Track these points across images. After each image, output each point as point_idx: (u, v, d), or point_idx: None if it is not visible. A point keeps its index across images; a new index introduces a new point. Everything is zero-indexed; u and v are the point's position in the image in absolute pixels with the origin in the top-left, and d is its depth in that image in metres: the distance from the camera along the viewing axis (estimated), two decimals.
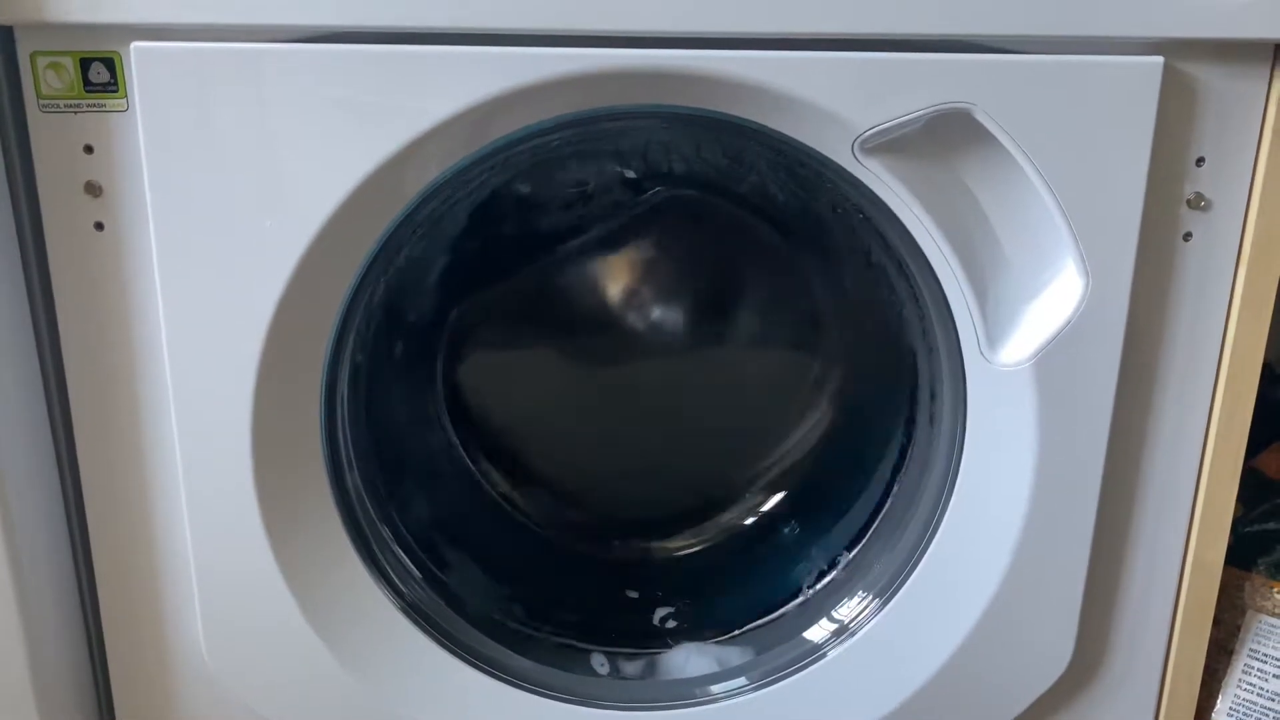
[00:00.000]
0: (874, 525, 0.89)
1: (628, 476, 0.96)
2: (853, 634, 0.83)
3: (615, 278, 0.90)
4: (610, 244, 0.88)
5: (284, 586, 0.77)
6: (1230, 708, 0.89)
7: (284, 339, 0.73)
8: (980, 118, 0.70)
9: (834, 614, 0.86)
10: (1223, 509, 0.81)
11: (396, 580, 0.82)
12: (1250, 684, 0.89)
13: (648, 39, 0.68)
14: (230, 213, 0.70)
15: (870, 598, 0.84)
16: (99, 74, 0.68)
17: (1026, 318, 0.76)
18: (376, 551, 0.82)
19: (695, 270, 0.91)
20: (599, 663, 0.87)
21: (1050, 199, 0.72)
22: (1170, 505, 0.81)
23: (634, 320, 0.91)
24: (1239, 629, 0.90)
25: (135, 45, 0.66)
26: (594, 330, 0.91)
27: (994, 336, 0.76)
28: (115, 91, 0.68)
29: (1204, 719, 0.89)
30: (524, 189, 0.82)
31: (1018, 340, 0.76)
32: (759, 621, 0.90)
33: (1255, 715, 0.89)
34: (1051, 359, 0.75)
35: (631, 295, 0.90)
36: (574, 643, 0.89)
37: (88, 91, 0.68)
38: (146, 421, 0.76)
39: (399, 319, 0.85)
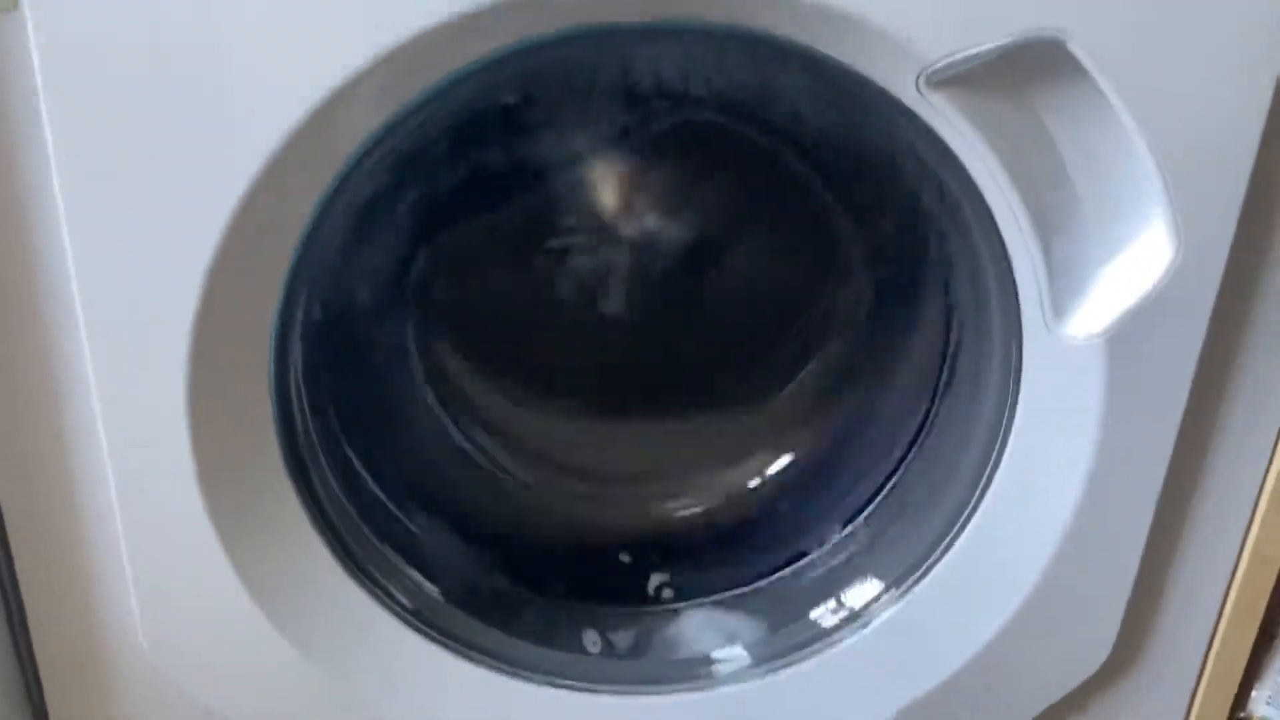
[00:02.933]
0: (889, 494, 0.80)
1: (624, 431, 0.86)
2: (866, 623, 0.75)
3: (613, 215, 0.78)
4: (609, 175, 0.76)
5: (228, 563, 0.67)
6: (1269, 696, 0.83)
7: (224, 291, 0.61)
8: (1074, 49, 0.58)
9: (847, 597, 0.77)
10: None
11: (359, 554, 0.72)
12: None
13: None
14: (156, 139, 0.57)
15: (886, 585, 0.75)
16: None
17: (1101, 285, 0.65)
18: (336, 524, 0.72)
19: (709, 204, 0.79)
20: (591, 640, 0.78)
21: (1146, 149, 0.60)
22: (1234, 495, 0.72)
23: (633, 258, 0.79)
24: None
25: None
26: (587, 267, 0.79)
27: (1061, 304, 0.65)
28: None
29: (1242, 705, 0.83)
30: (509, 106, 0.69)
31: (1089, 310, 0.65)
32: (758, 585, 0.82)
33: None
34: (1126, 334, 0.64)
35: (633, 233, 0.78)
36: (562, 610, 0.80)
37: None
38: (58, 372, 0.64)
39: (363, 266, 0.72)
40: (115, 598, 0.70)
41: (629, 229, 0.79)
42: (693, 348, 0.83)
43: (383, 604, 0.73)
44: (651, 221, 0.78)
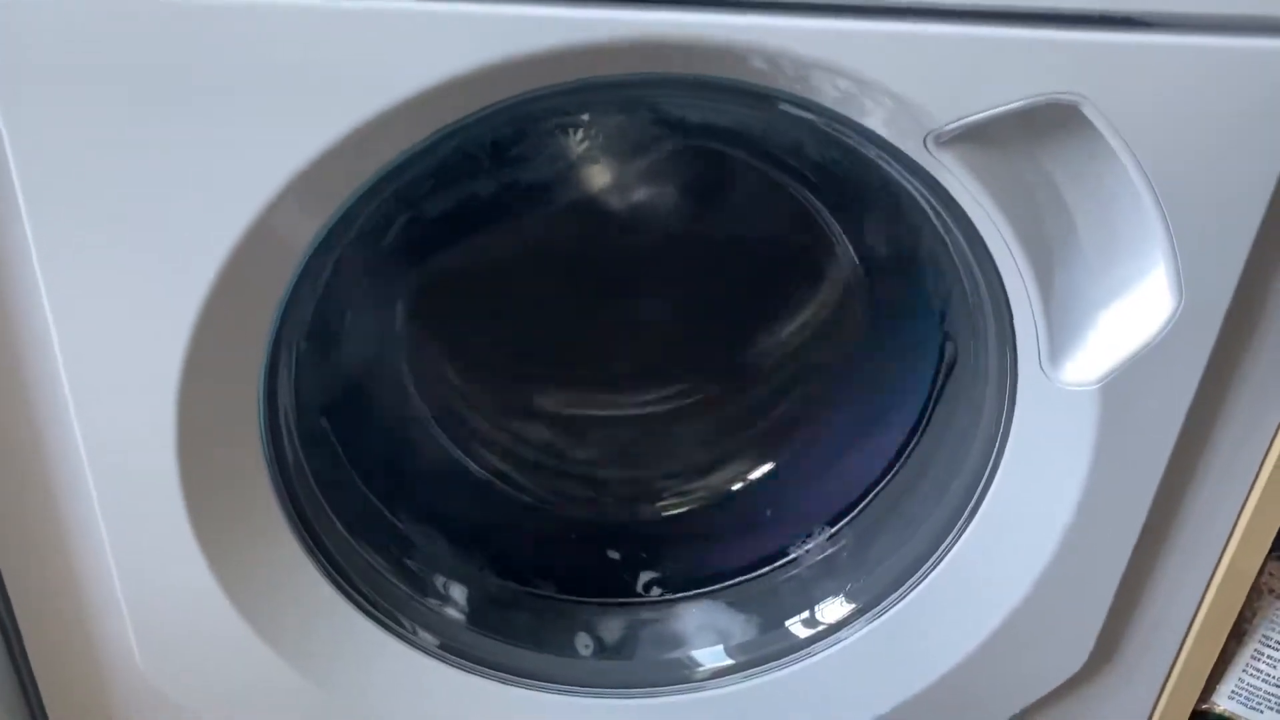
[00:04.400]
0: (871, 502, 0.81)
1: (615, 434, 0.86)
2: (839, 640, 0.76)
3: (607, 237, 0.76)
4: (603, 199, 0.74)
5: (218, 588, 0.67)
6: (1233, 690, 0.86)
7: (215, 326, 0.59)
8: (1089, 112, 0.56)
9: (821, 612, 0.79)
10: (1269, 524, 0.74)
11: (347, 567, 0.73)
12: (1257, 669, 0.85)
13: None
14: (142, 189, 0.55)
15: (861, 607, 0.77)
16: None
17: (1097, 331, 0.64)
18: (325, 541, 0.72)
19: (705, 224, 0.77)
20: (583, 644, 0.80)
21: (1154, 204, 0.59)
22: (1213, 520, 0.73)
23: (624, 273, 0.77)
24: (1254, 615, 0.86)
25: None
26: (578, 281, 0.78)
27: (1058, 349, 0.65)
28: None
29: (1207, 699, 0.86)
30: (502, 140, 0.66)
31: (1085, 358, 0.65)
32: (743, 580, 0.84)
33: (1258, 699, 0.85)
34: (1119, 382, 0.64)
35: (628, 255, 0.77)
36: (552, 609, 0.81)
37: None
38: (42, 405, 0.63)
39: (356, 284, 0.71)
40: (112, 622, 0.70)
41: (620, 242, 0.77)
42: (684, 355, 0.83)
43: (373, 617, 0.73)
44: (644, 236, 0.76)
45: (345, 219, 0.60)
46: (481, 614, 0.79)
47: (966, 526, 0.72)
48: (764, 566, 0.84)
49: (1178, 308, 0.62)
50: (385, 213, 0.66)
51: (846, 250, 0.77)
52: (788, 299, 0.82)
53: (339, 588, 0.72)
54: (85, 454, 0.63)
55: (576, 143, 0.67)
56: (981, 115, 0.55)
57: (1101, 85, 0.55)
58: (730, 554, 0.85)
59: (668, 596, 0.84)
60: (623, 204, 0.75)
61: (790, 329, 0.84)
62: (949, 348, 0.75)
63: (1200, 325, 0.63)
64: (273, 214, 0.55)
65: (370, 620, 0.73)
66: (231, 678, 0.71)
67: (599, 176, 0.72)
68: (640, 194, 0.74)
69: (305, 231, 0.59)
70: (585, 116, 0.65)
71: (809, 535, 0.83)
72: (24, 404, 0.64)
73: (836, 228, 0.76)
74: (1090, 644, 0.76)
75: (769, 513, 0.85)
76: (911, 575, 0.74)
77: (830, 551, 0.82)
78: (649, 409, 0.86)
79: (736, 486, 0.86)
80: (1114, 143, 0.57)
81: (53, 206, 0.55)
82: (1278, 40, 0.55)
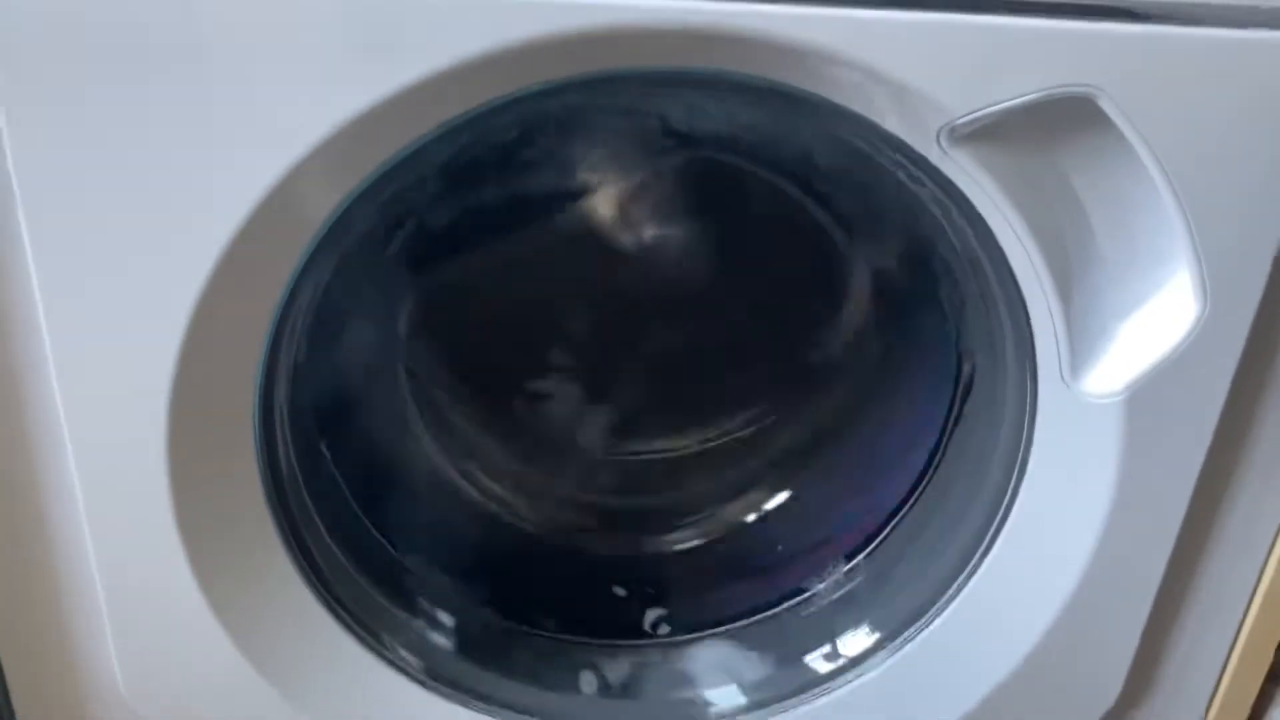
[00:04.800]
0: (890, 534, 0.78)
1: (622, 465, 0.83)
2: (862, 673, 0.73)
3: (614, 250, 0.75)
4: (611, 211, 0.73)
5: (209, 612, 0.65)
6: None
7: (210, 330, 0.58)
8: (1105, 105, 0.55)
9: (843, 645, 0.75)
10: None
11: (345, 596, 0.70)
12: None
13: None
14: (139, 178, 0.53)
15: (884, 637, 0.73)
16: None
17: (1120, 340, 0.62)
18: (320, 566, 0.69)
19: (714, 241, 0.75)
20: (586, 681, 0.76)
21: (1175, 205, 0.57)
22: (1248, 541, 0.70)
23: (634, 295, 0.76)
24: None
25: None
26: (586, 302, 0.76)
27: (1080, 360, 0.63)
28: None
29: None
30: (509, 143, 0.65)
31: (1108, 367, 0.62)
32: (757, 620, 0.80)
33: None
34: (1145, 392, 0.62)
35: (634, 271, 0.75)
36: (555, 647, 0.78)
37: None
38: (29, 402, 0.61)
39: (356, 301, 0.69)
40: (94, 645, 0.67)
41: (631, 264, 0.76)
42: (694, 381, 0.81)
43: (371, 648, 0.70)
44: (654, 257, 0.75)
45: (344, 222, 0.58)
46: (479, 647, 0.75)
47: (989, 550, 0.69)
48: (779, 603, 0.80)
49: (1203, 313, 0.60)
50: (388, 218, 0.65)
51: (860, 266, 0.76)
52: (800, 320, 0.80)
53: (331, 611, 0.69)
54: (74, 460, 0.62)
55: (583, 153, 0.66)
56: (995, 108, 0.54)
57: (1117, 77, 0.54)
58: (742, 591, 0.82)
59: (677, 638, 0.81)
60: (630, 223, 0.73)
61: (802, 350, 0.81)
62: (966, 367, 0.73)
63: (1227, 330, 0.61)
64: (282, 192, 0.54)
65: (363, 646, 0.70)
66: (217, 705, 0.67)
67: (607, 191, 0.71)
68: (648, 211, 0.72)
69: (313, 214, 0.57)
70: (592, 125, 0.64)
71: (826, 570, 0.80)
72: (14, 404, 0.62)
73: (848, 243, 0.74)
74: (1124, 673, 0.72)
75: (781, 548, 0.82)
76: (934, 604, 0.71)
77: (848, 585, 0.79)
78: (657, 440, 0.84)
79: (750, 518, 0.84)
80: (1131, 138, 0.56)
81: (50, 187, 0.54)
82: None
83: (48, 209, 0.54)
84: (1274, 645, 0.74)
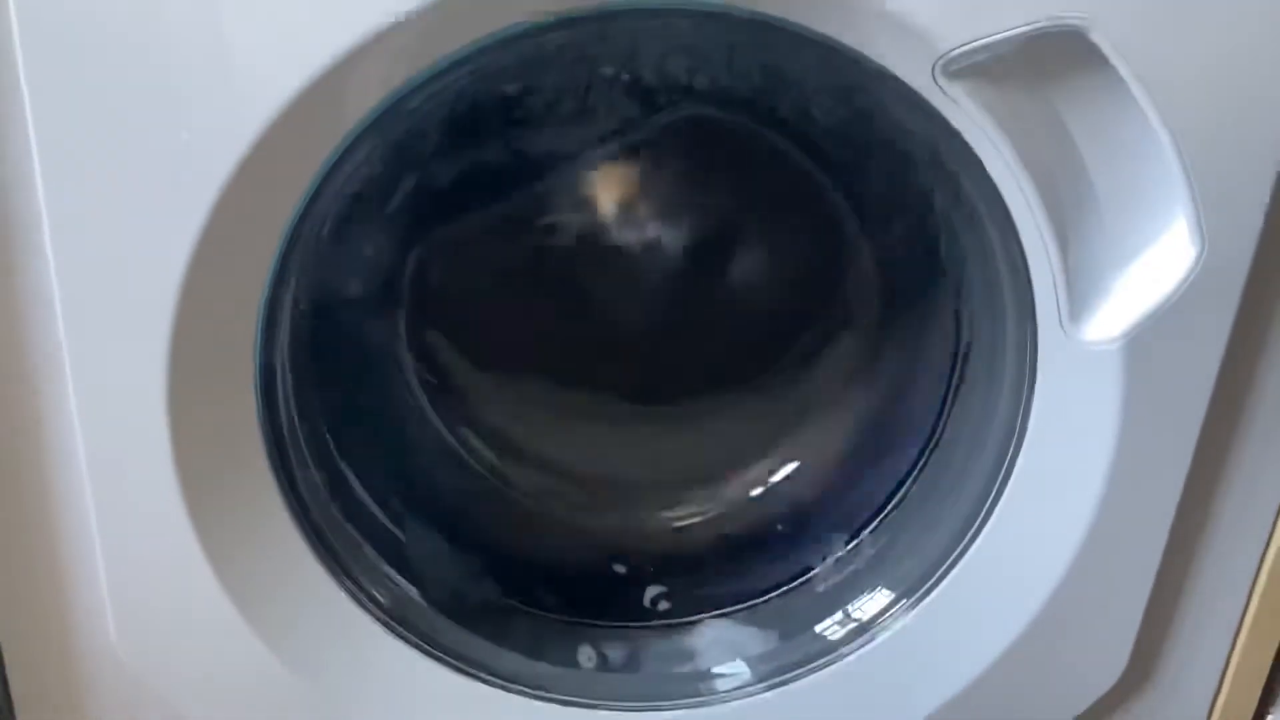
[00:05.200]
0: (897, 503, 0.77)
1: (622, 437, 0.83)
2: (874, 636, 0.72)
3: (615, 213, 0.76)
4: (611, 172, 0.73)
5: (208, 566, 0.64)
6: None
7: (209, 275, 0.58)
8: (1095, 38, 0.55)
9: (854, 610, 0.74)
10: None
11: (346, 561, 0.70)
12: None
13: None
14: (138, 116, 0.54)
15: (896, 596, 0.72)
16: None
17: (1119, 286, 0.62)
18: (321, 526, 0.69)
19: (713, 204, 0.76)
20: (586, 656, 0.75)
21: (1170, 145, 0.58)
22: (1255, 503, 0.70)
23: (636, 264, 0.76)
24: None
25: None
26: (586, 275, 0.77)
27: (1078, 306, 0.63)
28: None
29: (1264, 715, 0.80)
30: (509, 95, 0.66)
31: (1107, 313, 0.62)
32: (762, 600, 0.79)
33: None
34: (1145, 338, 0.62)
35: (635, 234, 0.75)
36: (554, 622, 0.77)
37: None
38: (34, 371, 0.62)
39: (355, 252, 0.70)
40: (89, 600, 0.67)
41: (629, 227, 0.76)
42: (695, 349, 0.81)
43: (367, 610, 0.70)
44: (653, 220, 0.75)
45: (344, 163, 0.59)
46: (478, 618, 0.74)
47: (995, 506, 0.68)
48: (787, 582, 0.79)
49: (1200, 256, 0.60)
50: (391, 173, 0.66)
51: (858, 225, 0.76)
52: (800, 284, 0.81)
53: (334, 575, 0.69)
54: (80, 431, 0.62)
55: (578, 104, 0.67)
56: (988, 39, 0.55)
57: (1108, 8, 0.55)
58: (748, 570, 0.81)
59: (676, 618, 0.80)
60: (626, 185, 0.74)
61: (803, 316, 0.81)
62: (966, 327, 0.73)
63: (1226, 273, 0.61)
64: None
65: (361, 609, 0.69)
66: (210, 661, 0.67)
67: (606, 151, 0.72)
68: (645, 170, 0.73)
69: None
70: (590, 75, 0.65)
71: (832, 548, 0.79)
72: (23, 382, 0.63)
73: (848, 203, 0.74)
74: (1129, 645, 0.71)
75: (789, 523, 0.81)
76: (944, 563, 0.70)
77: (855, 559, 0.78)
78: (658, 415, 0.83)
79: (755, 493, 0.83)
80: (1124, 72, 0.56)
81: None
82: None
83: (62, 159, 0.55)
84: None
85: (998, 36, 0.55)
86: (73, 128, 0.55)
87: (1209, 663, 0.75)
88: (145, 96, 0.54)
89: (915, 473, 0.76)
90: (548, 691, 0.73)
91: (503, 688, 0.72)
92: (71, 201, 0.56)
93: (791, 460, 0.83)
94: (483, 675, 0.72)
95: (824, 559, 0.79)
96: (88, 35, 0.52)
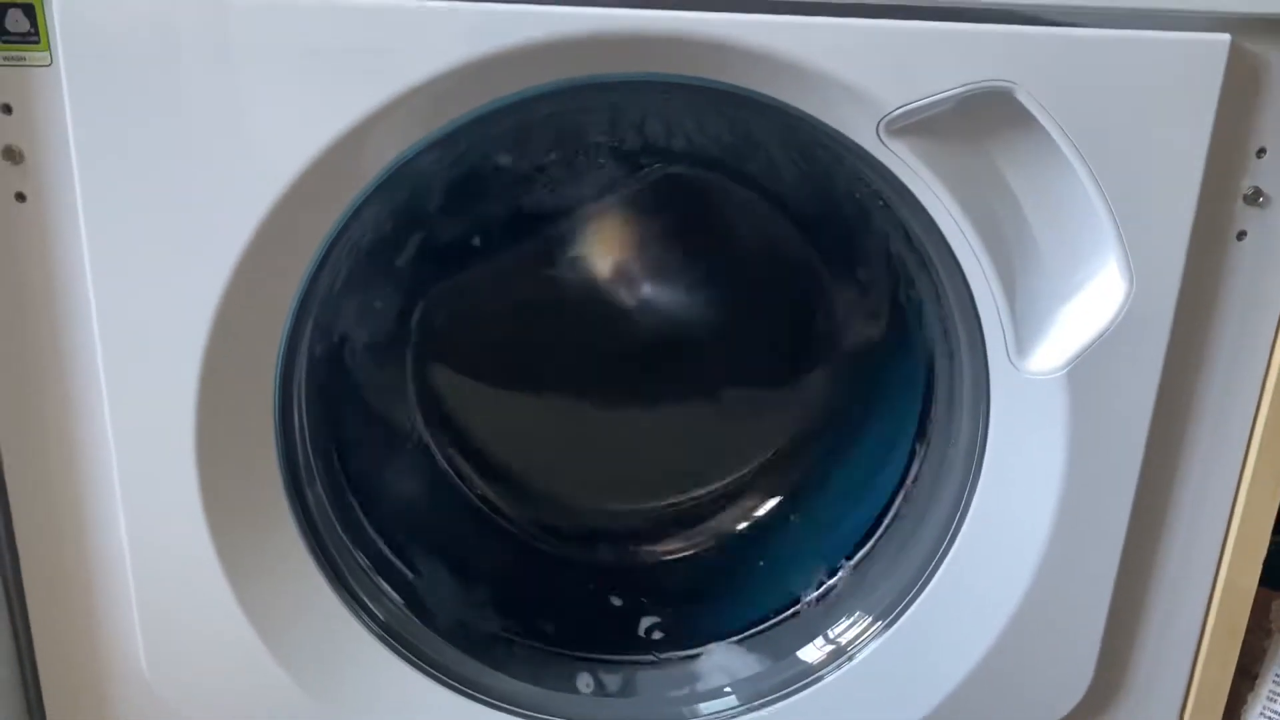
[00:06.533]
0: (877, 536, 0.82)
1: (614, 476, 0.89)
2: (851, 657, 0.77)
3: (603, 262, 0.82)
4: (598, 225, 0.80)
5: (232, 598, 0.70)
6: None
7: (232, 326, 0.65)
8: (1022, 98, 0.62)
9: (832, 634, 0.79)
10: (1260, 532, 0.75)
11: (359, 591, 0.75)
12: (1276, 711, 0.83)
13: None
14: (171, 184, 0.61)
15: (872, 619, 0.77)
16: (17, 22, 0.59)
17: (1060, 322, 0.68)
18: (335, 558, 0.74)
19: (691, 254, 0.83)
20: (584, 683, 0.80)
21: (1096, 191, 0.64)
22: (1203, 525, 0.75)
23: (623, 309, 0.83)
24: (1264, 653, 0.84)
25: None
26: (578, 320, 0.83)
27: (1024, 341, 0.68)
28: (36, 43, 0.60)
29: None
30: (504, 163, 0.73)
31: (1050, 346, 0.68)
32: (749, 633, 0.84)
33: None
34: (1086, 368, 0.67)
35: (621, 281, 0.82)
36: (554, 652, 0.82)
37: (4, 43, 0.60)
38: (77, 412, 0.68)
39: (365, 306, 0.76)
40: (121, 627, 0.72)
41: (617, 277, 0.83)
42: (679, 393, 0.86)
43: (379, 638, 0.75)
44: (638, 270, 0.82)
45: (354, 224, 0.66)
46: (481, 646, 0.79)
47: (959, 530, 0.73)
48: (776, 611, 0.84)
49: (1130, 292, 0.66)
50: (397, 227, 0.72)
51: (825, 274, 0.82)
52: (776, 329, 0.86)
53: (348, 606, 0.74)
54: (116, 468, 0.68)
55: (565, 170, 0.74)
56: (925, 100, 0.62)
57: (1031, 72, 0.61)
58: (736, 600, 0.86)
59: (670, 651, 0.84)
60: (611, 237, 0.81)
61: (780, 359, 0.87)
62: (928, 366, 0.78)
63: (1155, 307, 0.66)
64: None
65: (375, 639, 0.74)
66: (236, 689, 0.72)
67: (588, 211, 0.78)
68: (627, 224, 0.80)
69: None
70: (572, 139, 0.72)
71: (816, 578, 0.84)
72: (62, 414, 0.69)
73: (815, 253, 0.81)
74: (1092, 664, 0.75)
75: (773, 556, 0.86)
76: (913, 587, 0.75)
77: (837, 587, 0.82)
78: (647, 456, 0.89)
79: (740, 527, 0.88)
80: (1049, 127, 0.63)
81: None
82: (1177, 33, 0.61)
83: (99, 179, 0.61)
84: (1241, 629, 0.77)
85: (933, 98, 0.62)
86: (114, 198, 0.62)
87: (1173, 677, 0.79)
88: (178, 165, 0.61)
89: (896, 504, 0.81)
90: (546, 715, 0.77)
91: (504, 710, 0.76)
92: (111, 256, 0.63)
93: (773, 498, 0.88)
94: (485, 698, 0.76)
95: (809, 588, 0.84)
96: (130, 108, 0.60)
